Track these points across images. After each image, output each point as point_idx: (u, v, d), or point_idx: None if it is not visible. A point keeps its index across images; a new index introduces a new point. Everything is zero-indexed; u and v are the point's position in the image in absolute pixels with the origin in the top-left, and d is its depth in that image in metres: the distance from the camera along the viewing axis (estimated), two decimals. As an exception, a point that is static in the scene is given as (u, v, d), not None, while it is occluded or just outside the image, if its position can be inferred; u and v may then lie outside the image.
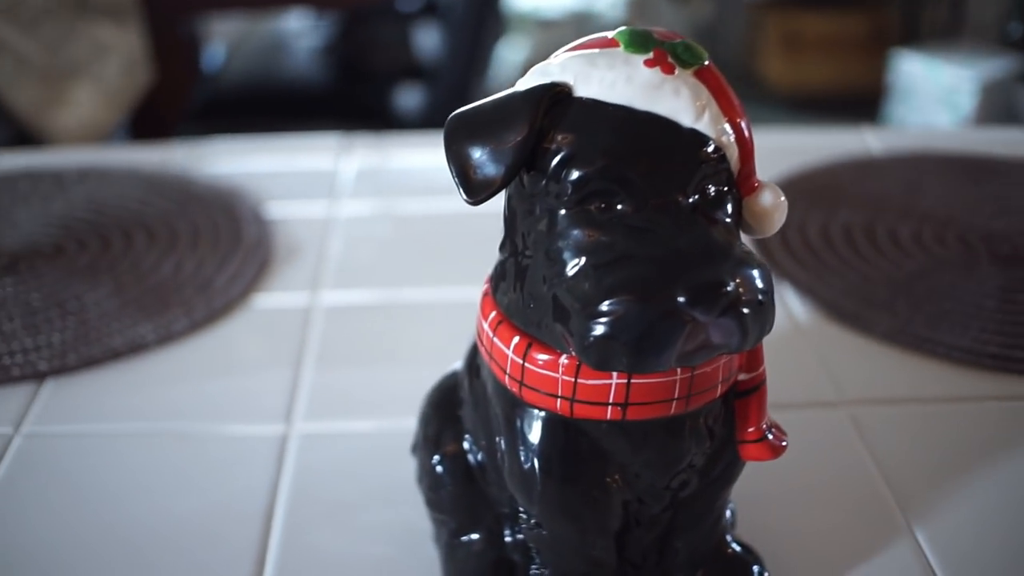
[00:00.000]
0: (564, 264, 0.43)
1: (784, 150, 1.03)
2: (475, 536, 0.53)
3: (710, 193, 0.44)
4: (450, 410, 0.53)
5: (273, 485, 0.61)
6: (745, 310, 0.41)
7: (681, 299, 0.40)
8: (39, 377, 0.70)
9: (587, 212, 0.43)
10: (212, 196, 0.94)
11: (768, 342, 0.73)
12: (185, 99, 1.97)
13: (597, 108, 0.44)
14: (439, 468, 0.52)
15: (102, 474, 0.62)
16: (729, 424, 0.48)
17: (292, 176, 1.01)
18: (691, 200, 0.43)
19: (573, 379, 0.45)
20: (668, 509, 0.49)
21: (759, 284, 0.42)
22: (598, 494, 0.47)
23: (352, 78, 2.10)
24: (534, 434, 0.46)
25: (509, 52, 2.97)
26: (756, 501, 0.58)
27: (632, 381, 0.44)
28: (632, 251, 0.42)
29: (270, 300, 0.80)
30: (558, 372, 0.45)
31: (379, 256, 0.87)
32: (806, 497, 0.60)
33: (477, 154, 0.44)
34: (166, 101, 1.90)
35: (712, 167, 0.44)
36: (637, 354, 0.41)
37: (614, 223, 0.42)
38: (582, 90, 0.44)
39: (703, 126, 0.44)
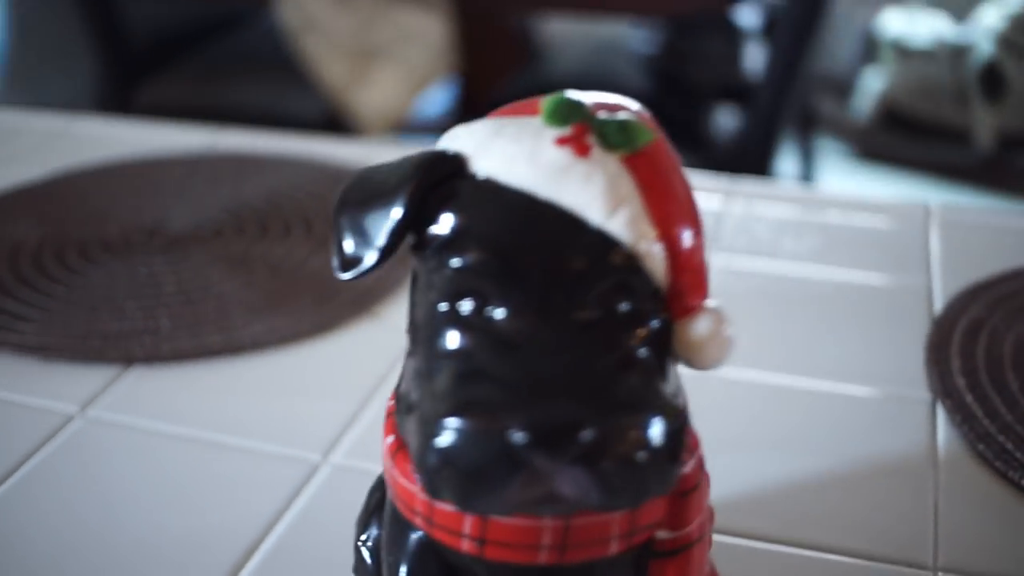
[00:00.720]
0: (429, 367, 0.37)
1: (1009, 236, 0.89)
2: None
3: (620, 309, 0.36)
4: (394, 489, 0.48)
5: (274, 518, 0.59)
6: (607, 464, 0.34)
7: (519, 436, 0.34)
8: (128, 362, 0.71)
9: (459, 311, 0.37)
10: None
11: (885, 469, 0.63)
12: (503, 90, 1.99)
13: (489, 188, 0.37)
14: (364, 550, 0.48)
15: (130, 473, 0.62)
16: None
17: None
18: (589, 315, 0.36)
19: (430, 499, 0.39)
20: None
21: (642, 437, 0.34)
22: None
23: (670, 90, 2.04)
24: (405, 548, 0.41)
25: (872, 80, 2.79)
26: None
27: (490, 517, 0.38)
28: (488, 368, 0.35)
29: (382, 321, 0.77)
30: (416, 487, 0.39)
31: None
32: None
33: (354, 227, 0.39)
34: (482, 90, 1.92)
35: (621, 278, 0.36)
36: (463, 491, 0.35)
37: (484, 329, 0.36)
38: (481, 163, 0.38)
39: (616, 226, 0.36)
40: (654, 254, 0.37)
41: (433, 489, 0.35)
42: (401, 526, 0.41)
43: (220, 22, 2.11)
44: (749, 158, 1.74)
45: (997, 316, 0.77)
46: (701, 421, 0.65)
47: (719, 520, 0.57)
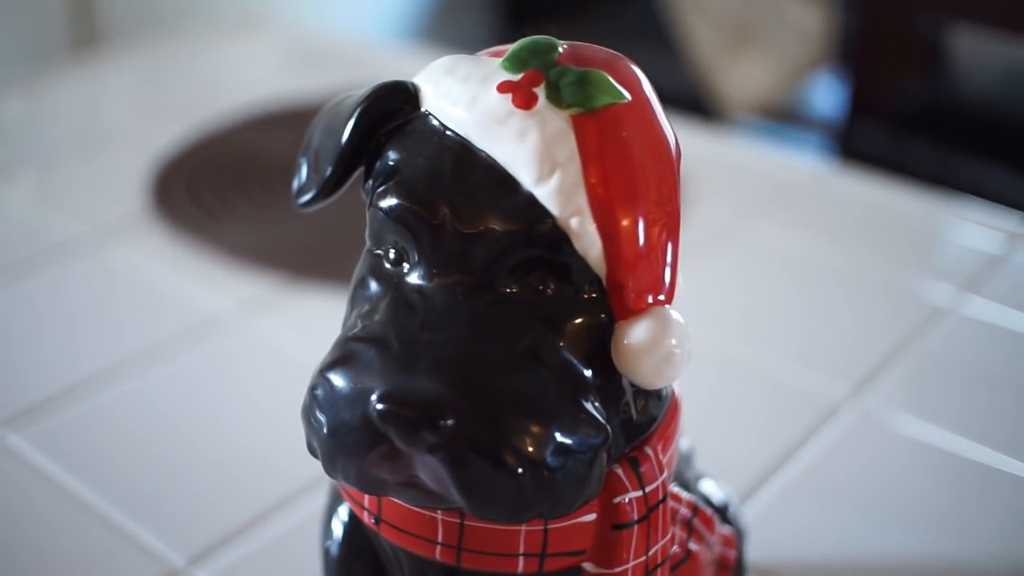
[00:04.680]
0: (348, 310, 0.34)
1: None
2: None
3: (545, 293, 0.31)
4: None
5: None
6: (472, 464, 0.29)
7: (375, 406, 0.30)
8: (294, 275, 0.72)
9: (380, 258, 0.33)
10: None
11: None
12: (899, 93, 1.85)
13: (429, 130, 0.33)
14: None
15: (251, 380, 0.63)
16: None
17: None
18: (501, 290, 0.31)
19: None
20: None
21: (522, 444, 0.29)
22: None
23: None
24: (335, 518, 0.39)
25: None
26: None
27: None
28: (380, 325, 0.31)
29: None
30: None
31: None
32: None
33: (311, 154, 0.36)
34: (875, 89, 1.81)
35: (543, 254, 0.31)
36: (324, 450, 0.32)
37: (393, 283, 0.33)
38: (430, 101, 0.34)
39: (545, 193, 0.31)
40: (587, 234, 0.31)
41: (308, 445, 0.32)
42: (336, 493, 0.38)
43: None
44: None
45: None
46: (878, 479, 0.56)
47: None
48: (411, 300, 0.31)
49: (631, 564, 0.34)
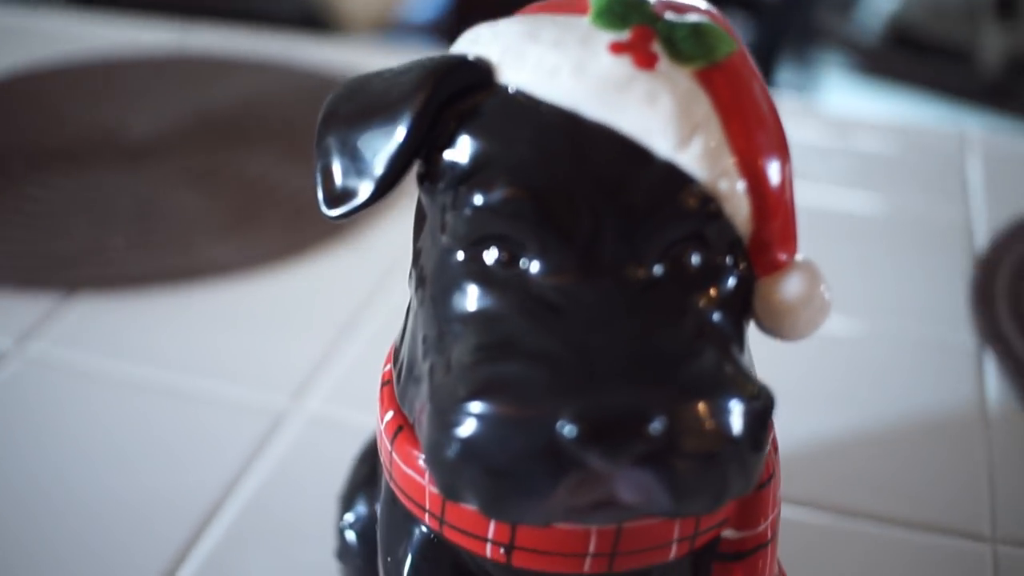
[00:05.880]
0: (441, 331, 0.29)
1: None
2: None
3: (690, 264, 0.29)
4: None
5: (236, 476, 0.51)
6: (681, 464, 0.26)
7: (569, 430, 0.26)
8: (72, 288, 0.63)
9: (483, 261, 0.29)
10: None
11: (926, 424, 0.55)
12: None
13: (522, 106, 0.29)
14: (349, 532, 0.40)
15: (71, 421, 0.54)
16: None
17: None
18: (650, 271, 0.28)
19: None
20: None
21: (722, 426, 0.27)
22: None
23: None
24: (409, 549, 0.33)
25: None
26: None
27: None
28: (521, 338, 0.27)
29: (361, 246, 0.69)
30: (424, 478, 0.31)
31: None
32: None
33: (344, 151, 0.30)
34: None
35: (695, 225, 0.28)
36: (492, 496, 0.27)
37: (515, 286, 0.28)
38: (511, 73, 0.30)
39: (689, 159, 0.28)
40: (737, 195, 0.29)
41: (451, 490, 0.27)
42: (402, 521, 0.33)
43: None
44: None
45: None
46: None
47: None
48: (552, 302, 0.28)
49: (771, 518, 0.33)
